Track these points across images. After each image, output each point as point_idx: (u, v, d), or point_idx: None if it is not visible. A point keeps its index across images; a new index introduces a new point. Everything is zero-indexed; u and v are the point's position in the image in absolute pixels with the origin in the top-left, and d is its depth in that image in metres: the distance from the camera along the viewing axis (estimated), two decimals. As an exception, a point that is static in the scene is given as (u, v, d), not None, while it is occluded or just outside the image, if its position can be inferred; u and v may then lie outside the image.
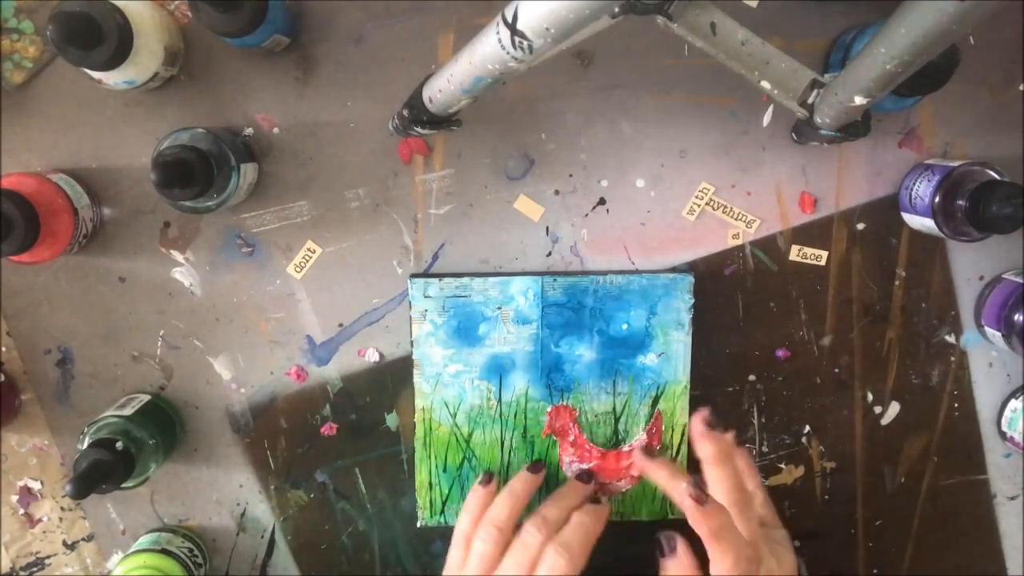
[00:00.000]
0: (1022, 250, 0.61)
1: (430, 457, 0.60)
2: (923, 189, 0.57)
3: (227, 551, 0.63)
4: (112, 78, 0.52)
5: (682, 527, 0.65)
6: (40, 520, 0.62)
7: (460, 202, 0.60)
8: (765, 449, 0.63)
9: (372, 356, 0.61)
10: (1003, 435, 0.63)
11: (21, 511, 0.61)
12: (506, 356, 0.59)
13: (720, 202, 0.60)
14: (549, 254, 0.60)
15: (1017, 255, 0.61)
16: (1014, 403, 0.62)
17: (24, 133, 0.57)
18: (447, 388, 0.59)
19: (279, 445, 0.62)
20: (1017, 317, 0.57)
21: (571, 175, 0.60)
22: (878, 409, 0.63)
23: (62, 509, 0.62)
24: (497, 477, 0.58)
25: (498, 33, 0.38)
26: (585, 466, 0.60)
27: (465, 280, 0.58)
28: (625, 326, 0.59)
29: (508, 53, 0.38)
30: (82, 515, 0.62)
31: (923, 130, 0.60)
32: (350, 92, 0.58)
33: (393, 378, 0.61)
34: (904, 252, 0.61)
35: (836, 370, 0.62)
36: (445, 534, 0.63)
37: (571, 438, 0.60)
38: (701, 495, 0.48)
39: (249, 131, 0.58)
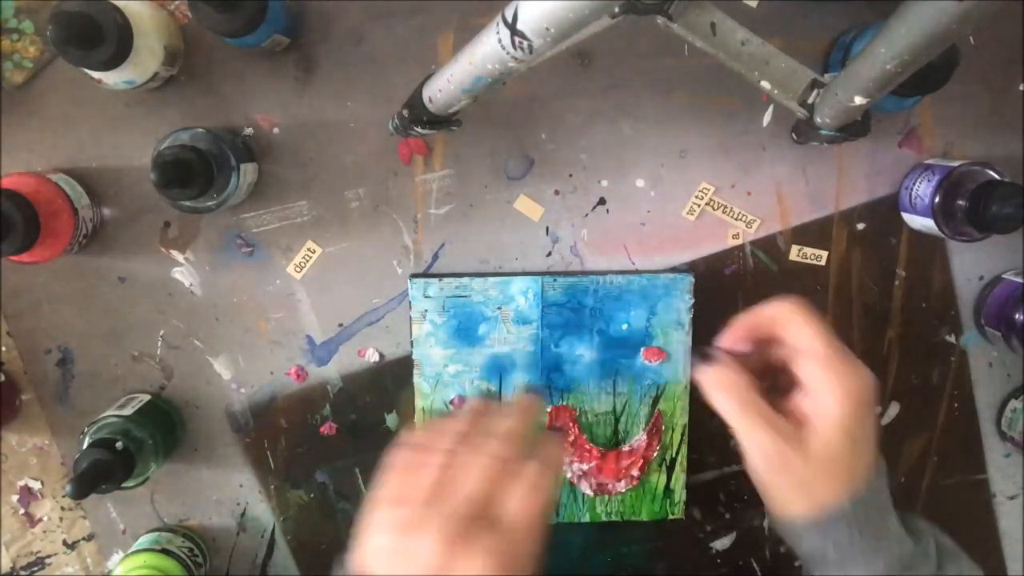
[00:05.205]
0: (1022, 250, 0.61)
1: (430, 457, 0.60)
2: (923, 189, 0.57)
3: (227, 551, 0.63)
4: (112, 78, 0.52)
5: (679, 532, 0.65)
6: (40, 520, 0.62)
7: (460, 202, 0.60)
8: (765, 449, 0.63)
9: (372, 356, 0.61)
10: (1003, 435, 0.63)
11: (21, 511, 0.61)
12: (506, 356, 0.59)
13: (720, 202, 0.60)
14: (549, 254, 0.60)
15: (1017, 255, 0.61)
16: (1014, 403, 0.62)
17: (24, 133, 0.57)
18: (447, 388, 0.59)
19: (279, 445, 0.62)
20: (1017, 317, 0.57)
21: (571, 175, 0.60)
22: (878, 409, 0.63)
23: (62, 509, 0.62)
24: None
25: (498, 33, 0.38)
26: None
27: (465, 280, 0.58)
28: (625, 326, 0.59)
29: (508, 53, 0.38)
30: (82, 515, 0.62)
31: (923, 130, 0.60)
32: (350, 92, 0.58)
33: (393, 378, 0.61)
34: (904, 252, 0.61)
35: (836, 370, 0.62)
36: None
37: (571, 438, 0.60)
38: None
39: (249, 131, 0.58)
